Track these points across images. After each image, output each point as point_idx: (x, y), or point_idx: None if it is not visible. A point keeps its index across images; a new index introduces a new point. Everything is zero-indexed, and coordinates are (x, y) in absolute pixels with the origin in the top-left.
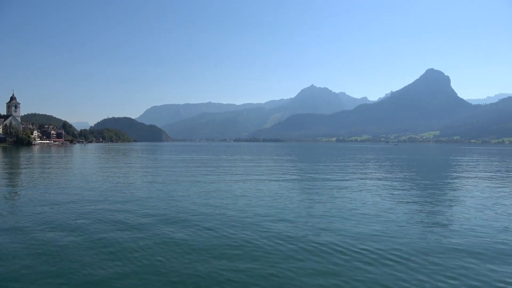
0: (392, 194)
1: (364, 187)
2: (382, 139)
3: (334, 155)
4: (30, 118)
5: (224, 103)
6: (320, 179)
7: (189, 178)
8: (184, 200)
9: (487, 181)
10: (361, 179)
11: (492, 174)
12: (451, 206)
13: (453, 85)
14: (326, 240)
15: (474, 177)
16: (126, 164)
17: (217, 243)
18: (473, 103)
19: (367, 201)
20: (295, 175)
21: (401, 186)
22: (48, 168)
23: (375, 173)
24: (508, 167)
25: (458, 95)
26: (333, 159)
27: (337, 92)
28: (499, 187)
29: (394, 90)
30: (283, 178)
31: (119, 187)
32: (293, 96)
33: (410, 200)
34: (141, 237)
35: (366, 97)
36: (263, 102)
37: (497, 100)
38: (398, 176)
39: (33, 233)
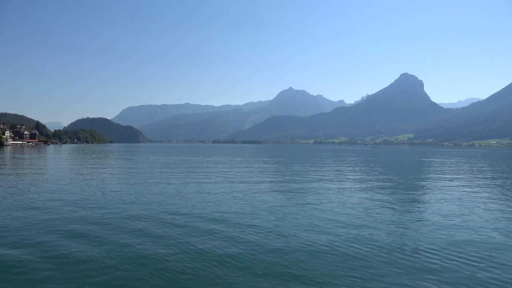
0: (381, 195)
1: (352, 189)
2: (358, 141)
3: (318, 157)
4: (0, 118)
5: (202, 104)
6: (310, 182)
7: (177, 181)
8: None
9: (467, 182)
10: (353, 181)
11: (474, 176)
12: (427, 205)
13: (426, 89)
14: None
15: (451, 178)
16: (110, 166)
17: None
18: (445, 107)
19: (350, 202)
20: (276, 177)
21: (393, 189)
22: (24, 170)
23: (365, 175)
24: (487, 169)
25: (431, 99)
26: (319, 161)
27: (315, 94)
28: (484, 188)
29: (370, 94)
30: (266, 182)
31: (108, 193)
32: (271, 98)
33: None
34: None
35: (343, 100)
36: (241, 103)
37: (467, 105)
38: (388, 178)
39: None
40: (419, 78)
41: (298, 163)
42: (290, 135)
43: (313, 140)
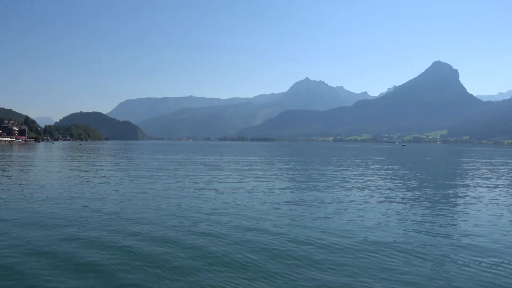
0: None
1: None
2: (384, 138)
3: (342, 156)
4: None
5: (208, 97)
6: (352, 188)
7: (205, 185)
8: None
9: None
10: (399, 189)
11: None
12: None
13: (462, 79)
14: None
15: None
16: (119, 168)
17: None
18: (484, 99)
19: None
20: (304, 180)
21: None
22: (23, 170)
23: (409, 181)
24: None
25: (468, 90)
26: (346, 162)
27: (334, 86)
28: None
29: (397, 85)
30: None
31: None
32: (285, 90)
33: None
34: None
35: (366, 92)
36: (251, 96)
37: (510, 97)
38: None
39: None
40: (454, 67)
41: (323, 164)
42: (306, 131)
43: (332, 138)
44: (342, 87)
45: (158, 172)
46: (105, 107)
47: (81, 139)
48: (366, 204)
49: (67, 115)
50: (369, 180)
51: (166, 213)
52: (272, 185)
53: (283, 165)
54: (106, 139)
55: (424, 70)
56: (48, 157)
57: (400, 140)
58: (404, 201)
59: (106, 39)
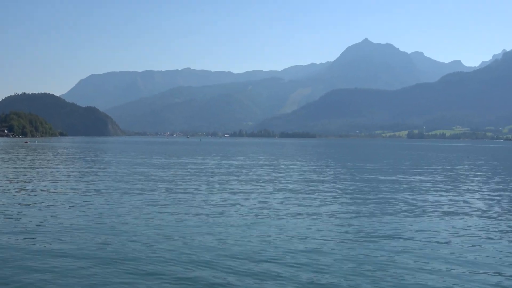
0: None
1: None
2: (488, 133)
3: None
4: None
5: (213, 70)
6: None
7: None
8: None
9: None
10: None
11: None
12: None
13: None
14: None
15: None
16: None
17: None
18: None
19: None
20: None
21: None
22: None
23: None
24: None
25: None
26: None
27: (409, 52)
28: None
29: (508, 49)
30: None
31: None
32: (331, 59)
33: None
34: None
35: (459, 61)
36: (279, 69)
37: None
38: None
39: None
40: None
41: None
42: (364, 123)
43: (406, 132)
44: (421, 54)
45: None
46: (60, 87)
47: (26, 135)
48: None
49: (4, 98)
50: None
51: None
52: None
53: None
54: (63, 134)
55: None
56: None
57: None
58: None
59: None
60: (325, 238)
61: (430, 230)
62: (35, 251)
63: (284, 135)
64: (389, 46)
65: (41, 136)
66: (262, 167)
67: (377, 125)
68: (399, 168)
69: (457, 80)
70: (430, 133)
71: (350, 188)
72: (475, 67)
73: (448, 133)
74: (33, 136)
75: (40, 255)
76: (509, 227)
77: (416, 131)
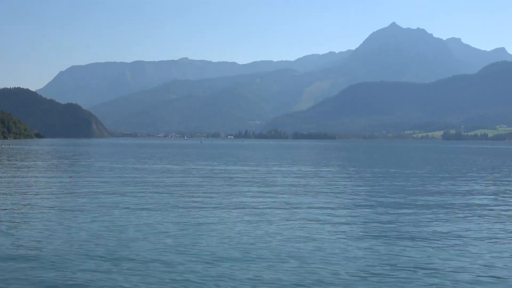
0: None
1: None
2: None
3: None
4: None
5: (215, 61)
6: None
7: None
8: None
9: None
10: None
11: None
12: None
13: None
14: None
15: None
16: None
17: None
18: None
19: None
20: None
21: None
22: None
23: None
24: None
25: None
26: None
27: (445, 38)
28: None
29: None
30: None
31: None
32: (353, 47)
33: None
34: None
35: (503, 49)
36: (292, 59)
37: None
38: None
39: None
40: None
41: None
42: (392, 121)
43: (441, 133)
44: (459, 40)
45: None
46: (36, 80)
47: None
48: None
49: None
50: None
51: None
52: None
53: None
54: (40, 135)
55: None
56: None
57: None
58: None
59: None
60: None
61: None
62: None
63: (297, 136)
64: (420, 32)
65: (15, 138)
66: (288, 174)
67: (407, 124)
68: (446, 176)
69: (501, 71)
70: (469, 134)
71: (400, 200)
72: None
73: (490, 133)
74: (5, 138)
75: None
76: None
77: (453, 131)
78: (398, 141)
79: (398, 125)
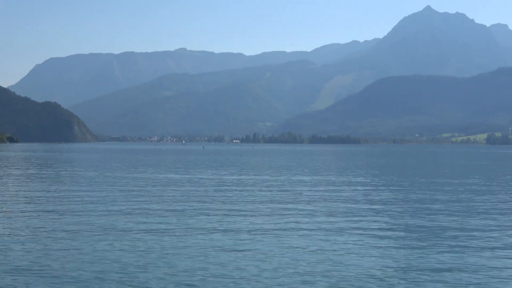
0: None
1: None
2: None
3: None
4: None
5: (217, 52)
6: None
7: None
8: None
9: None
10: None
11: None
12: None
13: None
14: None
15: None
16: None
17: None
18: None
19: None
20: None
21: None
22: None
23: None
24: None
25: None
26: None
27: (488, 25)
28: None
29: None
30: None
31: None
32: (380, 35)
33: None
34: None
35: None
36: (309, 49)
37: None
38: None
39: None
40: None
41: None
42: (426, 123)
43: (484, 136)
44: (505, 26)
45: None
46: (8, 75)
47: None
48: None
49: None
50: None
51: None
52: None
53: None
54: (13, 139)
55: None
56: None
57: None
58: None
59: None
60: None
61: None
62: None
63: (315, 140)
64: (460, 17)
65: None
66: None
67: (445, 126)
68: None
69: None
70: None
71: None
72: None
73: None
74: None
75: None
76: None
77: (498, 134)
78: (434, 146)
79: (434, 127)
